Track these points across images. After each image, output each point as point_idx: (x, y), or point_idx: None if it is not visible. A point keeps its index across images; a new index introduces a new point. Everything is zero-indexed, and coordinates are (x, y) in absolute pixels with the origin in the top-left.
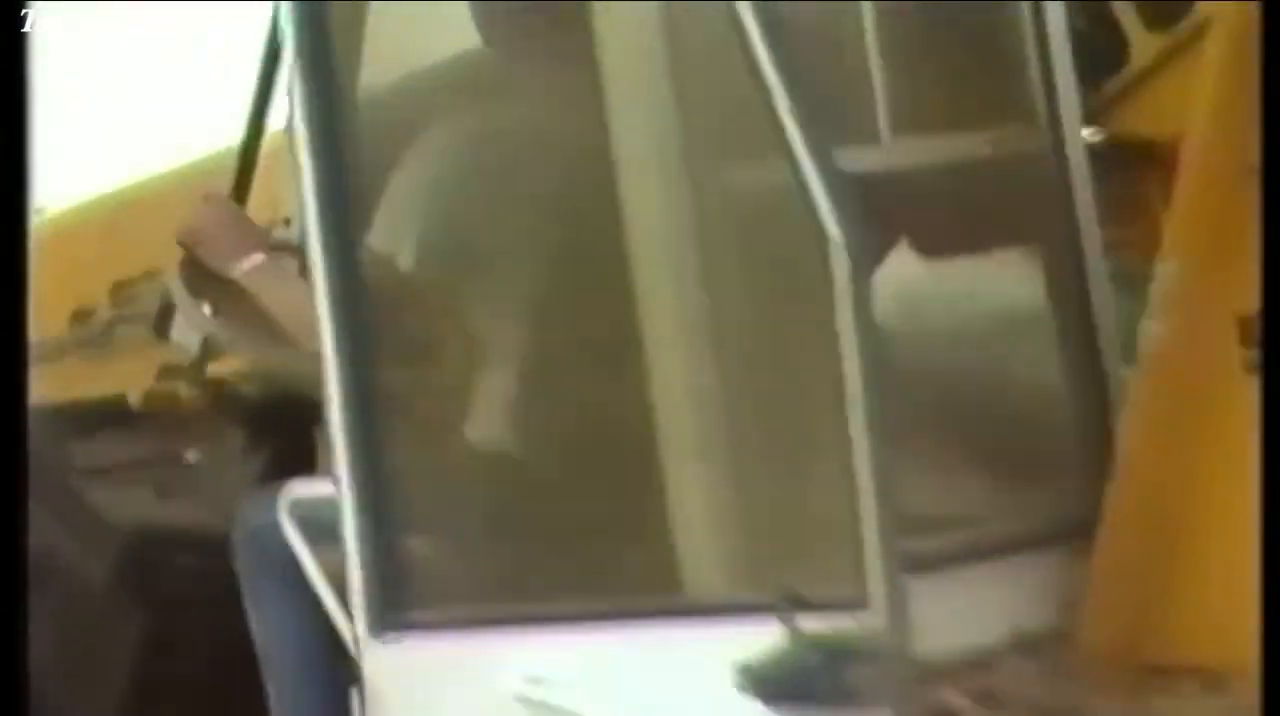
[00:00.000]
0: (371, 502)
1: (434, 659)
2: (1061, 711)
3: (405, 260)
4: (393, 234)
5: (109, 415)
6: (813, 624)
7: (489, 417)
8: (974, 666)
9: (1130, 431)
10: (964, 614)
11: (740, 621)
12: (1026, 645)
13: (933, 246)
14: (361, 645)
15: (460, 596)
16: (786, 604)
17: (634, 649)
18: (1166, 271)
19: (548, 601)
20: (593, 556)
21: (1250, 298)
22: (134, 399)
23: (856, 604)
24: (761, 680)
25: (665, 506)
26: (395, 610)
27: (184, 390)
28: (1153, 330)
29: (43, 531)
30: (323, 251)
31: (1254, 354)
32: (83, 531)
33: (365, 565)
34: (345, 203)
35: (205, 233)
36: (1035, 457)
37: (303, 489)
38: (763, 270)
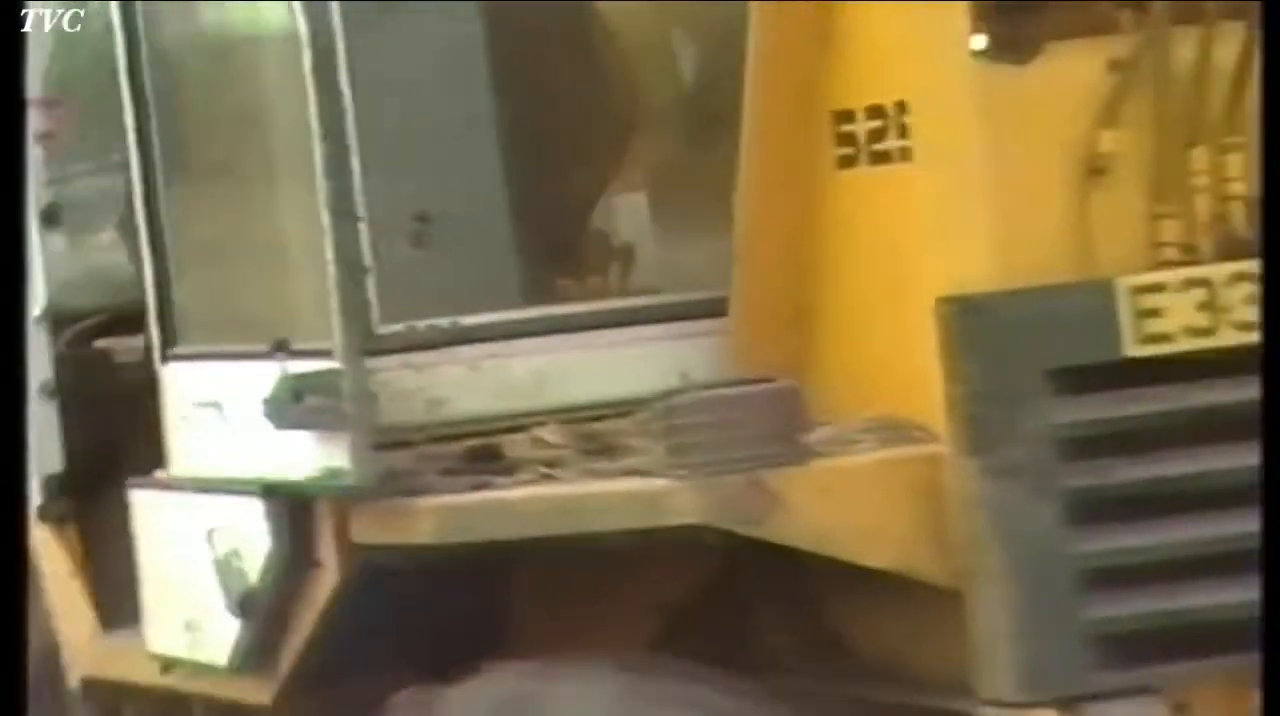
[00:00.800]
0: (154, 251)
1: (175, 381)
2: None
3: None
4: None
5: None
6: (301, 367)
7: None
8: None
9: (742, 217)
10: (637, 364)
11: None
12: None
13: None
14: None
15: (196, 333)
16: (278, 351)
17: (253, 380)
18: (755, 73)
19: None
20: (247, 303)
21: (850, 95)
22: None
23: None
24: (267, 410)
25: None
26: (166, 343)
27: None
28: (747, 123)
29: None
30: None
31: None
32: None
33: (153, 306)
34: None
35: None
36: None
37: None
38: None
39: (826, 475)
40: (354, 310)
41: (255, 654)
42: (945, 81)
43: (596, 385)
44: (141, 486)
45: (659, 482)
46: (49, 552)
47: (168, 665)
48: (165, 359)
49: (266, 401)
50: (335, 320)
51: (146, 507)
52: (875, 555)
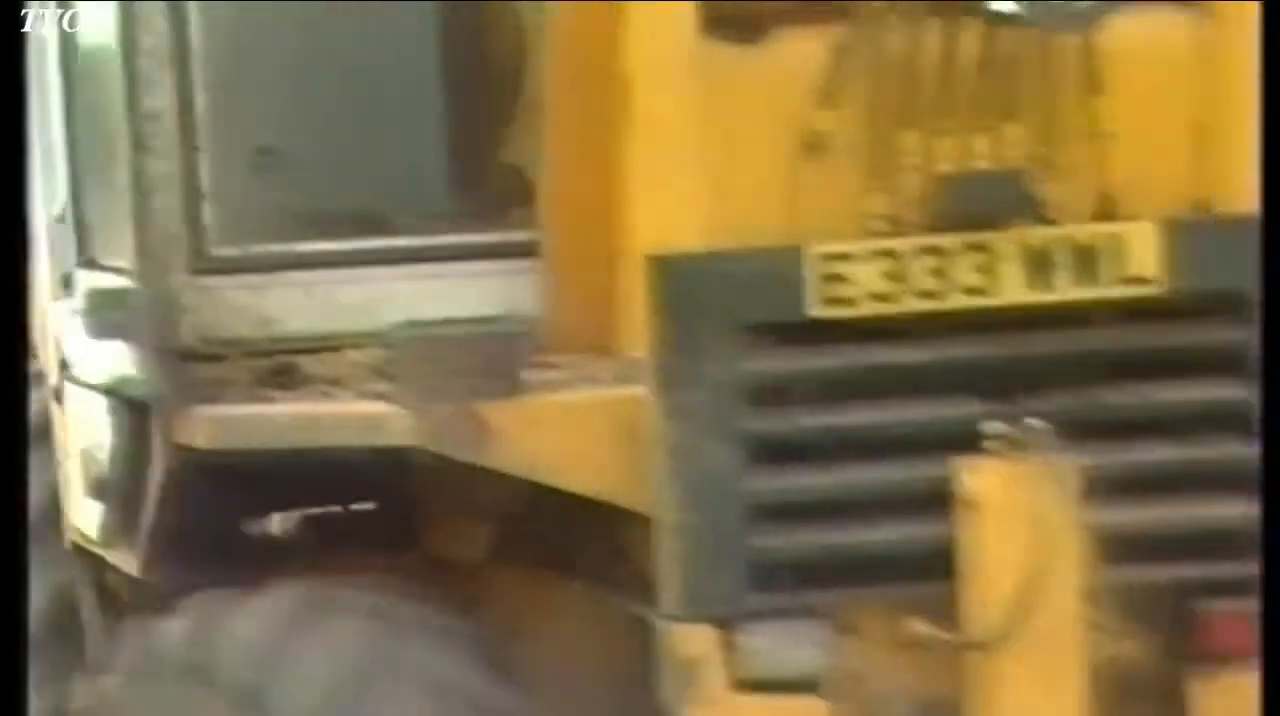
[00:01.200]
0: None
1: (80, 286)
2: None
3: None
4: None
5: None
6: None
7: None
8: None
9: (545, 167)
10: (462, 295)
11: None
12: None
13: None
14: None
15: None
16: (87, 267)
17: None
18: (556, 31)
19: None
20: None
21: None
22: None
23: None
24: (80, 320)
25: None
26: (79, 252)
27: None
28: (548, 73)
29: None
30: None
31: None
32: None
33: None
34: None
35: None
36: None
37: None
38: None
39: (537, 408)
40: (155, 232)
41: (114, 533)
42: (665, 54)
43: (421, 314)
44: (69, 378)
45: (385, 407)
46: (61, 425)
47: (85, 537)
48: (78, 264)
49: (78, 313)
50: (131, 242)
51: (69, 396)
52: (579, 482)
